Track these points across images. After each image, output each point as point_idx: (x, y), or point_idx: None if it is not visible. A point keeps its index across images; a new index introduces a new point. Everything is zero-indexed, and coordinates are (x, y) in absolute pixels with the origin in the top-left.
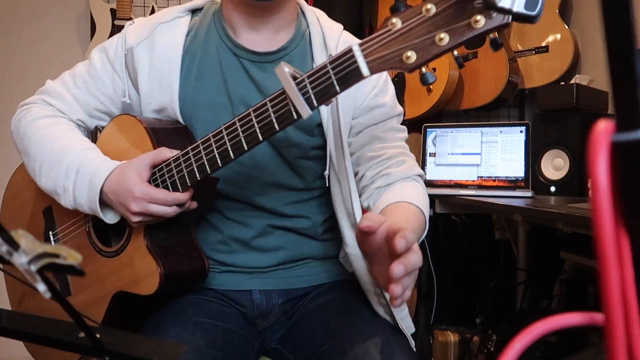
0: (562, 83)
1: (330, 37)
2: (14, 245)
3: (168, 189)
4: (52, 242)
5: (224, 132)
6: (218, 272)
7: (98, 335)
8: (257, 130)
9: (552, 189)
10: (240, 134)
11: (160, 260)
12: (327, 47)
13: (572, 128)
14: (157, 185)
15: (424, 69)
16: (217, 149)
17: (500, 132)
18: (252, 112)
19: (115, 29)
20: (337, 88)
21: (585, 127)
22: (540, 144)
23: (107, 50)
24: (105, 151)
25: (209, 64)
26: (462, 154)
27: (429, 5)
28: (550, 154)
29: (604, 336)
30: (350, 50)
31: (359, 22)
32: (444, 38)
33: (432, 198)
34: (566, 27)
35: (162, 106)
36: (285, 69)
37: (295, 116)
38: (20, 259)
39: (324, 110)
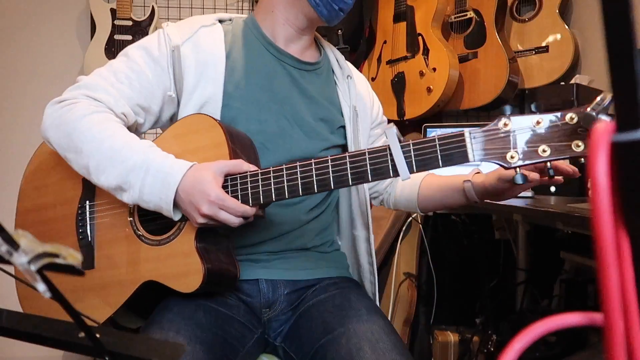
0: (562, 83)
1: (343, 61)
2: (14, 245)
3: (237, 200)
4: (87, 212)
5: (313, 166)
6: None
7: (98, 335)
8: (349, 175)
9: (552, 189)
10: (330, 172)
11: (206, 262)
12: (341, 67)
13: None
14: (227, 193)
15: (518, 170)
16: (301, 179)
17: None
18: (347, 157)
19: (115, 29)
20: (440, 163)
21: None
22: None
23: (147, 49)
24: (169, 143)
25: (253, 65)
26: None
27: (540, 120)
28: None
29: (604, 336)
30: (462, 134)
31: (359, 22)
32: (547, 151)
33: None
34: (566, 27)
35: (205, 100)
36: (394, 130)
37: (392, 174)
38: (20, 259)
39: (347, 117)
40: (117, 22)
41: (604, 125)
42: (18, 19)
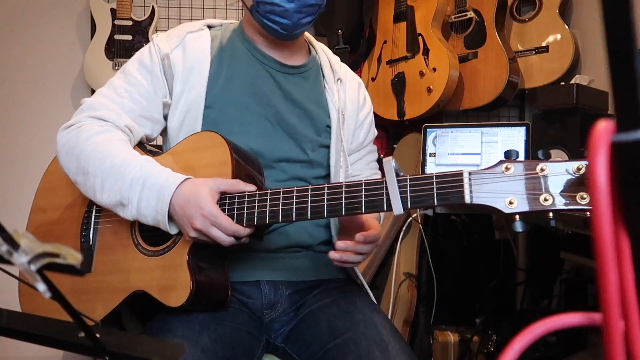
0: (562, 83)
1: (335, 63)
2: (14, 245)
3: (232, 219)
4: (93, 217)
5: (310, 192)
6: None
7: (98, 335)
8: (343, 204)
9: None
10: (325, 200)
11: (196, 278)
12: (333, 70)
13: (572, 128)
14: (222, 211)
15: (517, 217)
16: (296, 204)
17: (500, 132)
18: (344, 186)
19: (115, 29)
20: (435, 201)
21: (585, 127)
22: (540, 144)
23: (141, 61)
24: (175, 158)
25: (238, 69)
26: (462, 154)
27: (544, 167)
28: (550, 154)
29: (603, 336)
30: (460, 173)
31: (359, 23)
32: (549, 200)
33: None
34: (566, 27)
35: (190, 104)
36: (392, 164)
37: (385, 208)
38: (20, 259)
39: (334, 119)
40: (117, 22)
41: (604, 125)
42: (18, 19)
